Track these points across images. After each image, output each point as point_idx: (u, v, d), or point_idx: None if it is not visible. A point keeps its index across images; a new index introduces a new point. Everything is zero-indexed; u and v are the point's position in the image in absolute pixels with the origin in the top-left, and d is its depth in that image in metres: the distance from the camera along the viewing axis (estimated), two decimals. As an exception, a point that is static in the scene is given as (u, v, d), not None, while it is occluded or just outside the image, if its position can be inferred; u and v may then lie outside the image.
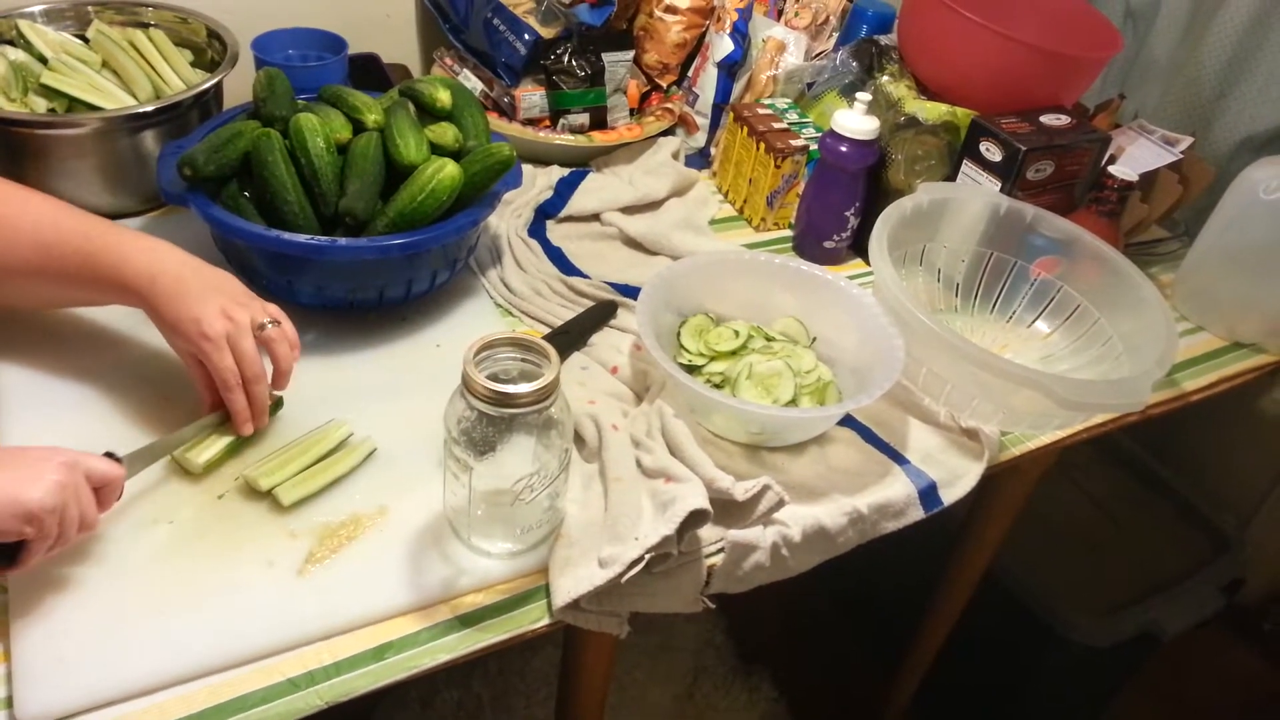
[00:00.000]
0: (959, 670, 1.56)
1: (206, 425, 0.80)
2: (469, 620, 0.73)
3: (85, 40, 1.09)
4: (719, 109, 1.33)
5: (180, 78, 1.08)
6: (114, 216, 1.04)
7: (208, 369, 0.78)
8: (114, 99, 1.03)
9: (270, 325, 0.80)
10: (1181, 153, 1.25)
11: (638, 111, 1.36)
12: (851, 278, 0.98)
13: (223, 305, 0.78)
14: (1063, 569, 1.49)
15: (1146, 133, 1.29)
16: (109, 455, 0.72)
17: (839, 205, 1.15)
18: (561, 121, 1.27)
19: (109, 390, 0.85)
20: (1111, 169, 1.08)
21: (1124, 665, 1.59)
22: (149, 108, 1.01)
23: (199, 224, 0.91)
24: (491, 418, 0.68)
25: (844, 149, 1.11)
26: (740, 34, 1.29)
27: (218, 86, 1.07)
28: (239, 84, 1.08)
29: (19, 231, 0.78)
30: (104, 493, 0.70)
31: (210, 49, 1.14)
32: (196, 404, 0.83)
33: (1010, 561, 1.43)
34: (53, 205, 0.81)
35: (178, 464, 0.79)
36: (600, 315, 1.02)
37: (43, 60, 1.04)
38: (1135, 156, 1.24)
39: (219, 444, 0.80)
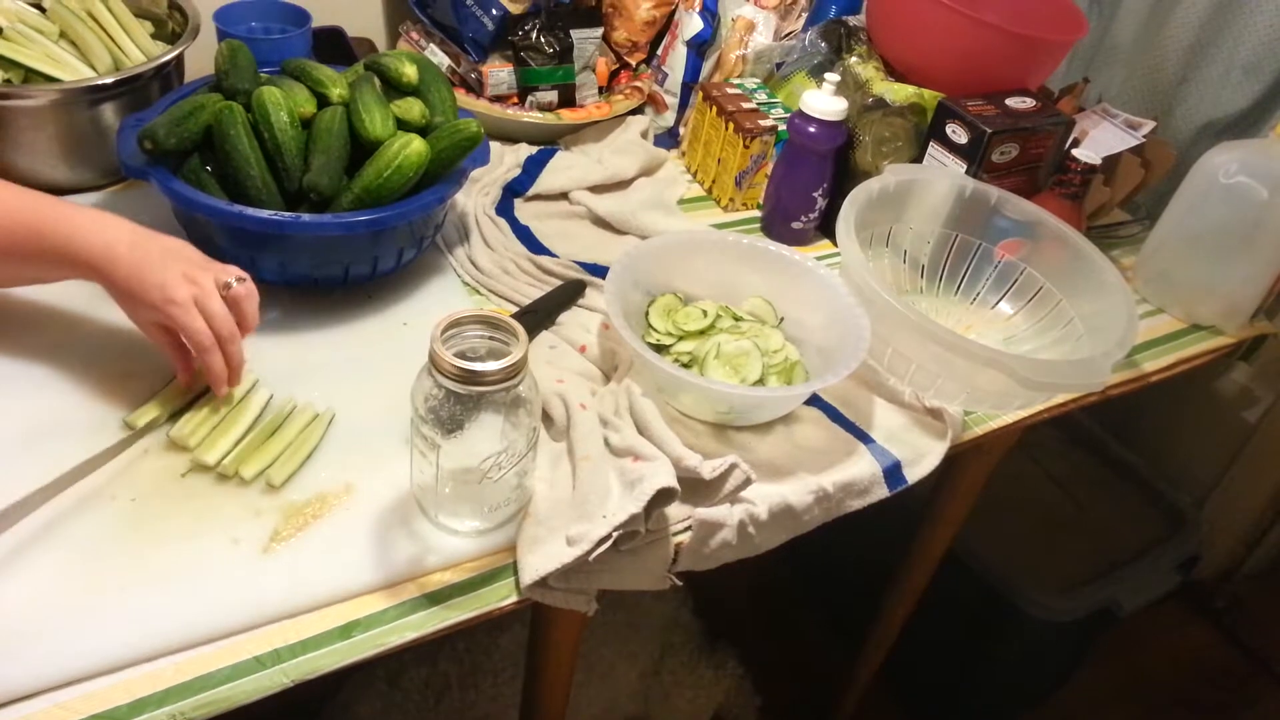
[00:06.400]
0: (922, 645, 1.59)
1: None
2: (436, 598, 0.73)
3: (42, 10, 1.06)
4: (688, 88, 1.32)
5: (140, 49, 1.06)
6: (73, 191, 1.03)
7: (177, 337, 0.78)
8: (72, 70, 1.01)
9: (236, 283, 0.79)
10: (1144, 136, 1.26)
11: (606, 89, 1.35)
12: (819, 258, 0.98)
13: (183, 270, 0.77)
14: (1024, 546, 1.52)
15: (1110, 116, 1.30)
16: None
17: (807, 186, 1.16)
18: (530, 99, 1.26)
19: (69, 366, 0.84)
20: (1075, 152, 1.09)
21: (1083, 640, 1.62)
22: (108, 80, 0.99)
23: (160, 199, 0.90)
24: (459, 396, 0.68)
25: (812, 130, 1.12)
26: (710, 13, 1.29)
27: (179, 59, 1.05)
28: (201, 57, 1.06)
29: None
30: None
31: (171, 20, 1.12)
32: (157, 378, 0.83)
33: (973, 539, 1.45)
34: None
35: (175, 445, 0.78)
36: (568, 294, 1.02)
37: (-3, 30, 1.02)
38: (1098, 140, 1.25)
39: (207, 422, 0.79)
